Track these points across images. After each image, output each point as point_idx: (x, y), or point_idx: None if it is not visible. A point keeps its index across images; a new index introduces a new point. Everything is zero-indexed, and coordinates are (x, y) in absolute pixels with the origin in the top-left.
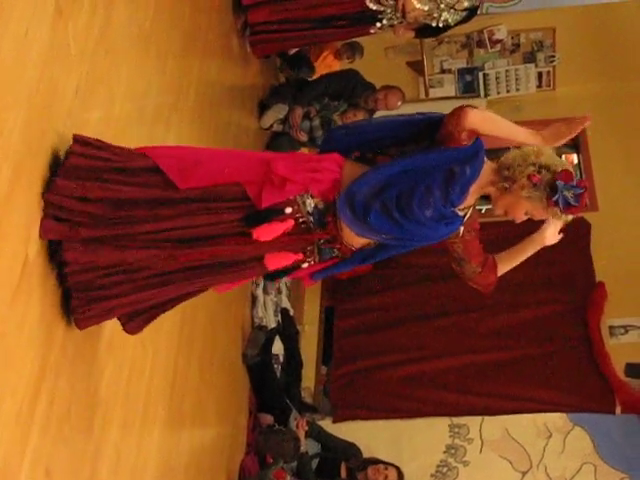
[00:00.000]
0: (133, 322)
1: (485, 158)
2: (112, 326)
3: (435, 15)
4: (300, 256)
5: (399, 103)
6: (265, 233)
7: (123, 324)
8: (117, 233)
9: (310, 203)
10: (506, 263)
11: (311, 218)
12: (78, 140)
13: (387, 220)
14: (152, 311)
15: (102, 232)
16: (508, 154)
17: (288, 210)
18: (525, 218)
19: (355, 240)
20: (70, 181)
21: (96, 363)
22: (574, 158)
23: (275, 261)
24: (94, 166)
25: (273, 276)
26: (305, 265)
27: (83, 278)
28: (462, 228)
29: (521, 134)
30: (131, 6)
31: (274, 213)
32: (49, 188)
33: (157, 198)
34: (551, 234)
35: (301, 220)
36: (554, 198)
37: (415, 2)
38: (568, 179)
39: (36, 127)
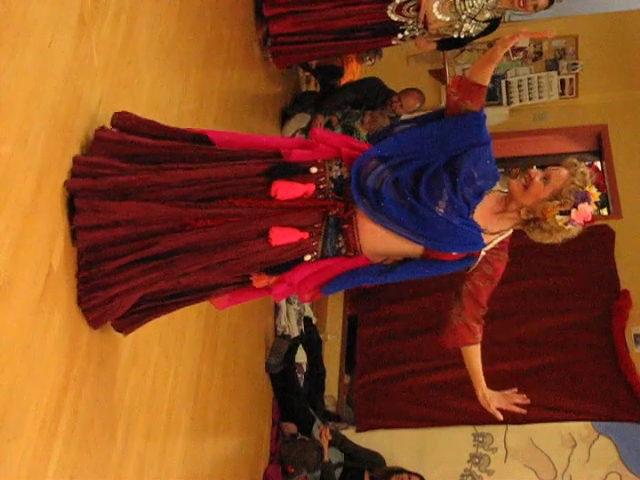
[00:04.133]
0: (126, 319)
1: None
2: (135, 336)
3: (456, 26)
4: (305, 235)
5: (417, 104)
6: (284, 190)
7: (114, 324)
8: (143, 184)
9: (337, 170)
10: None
11: (332, 185)
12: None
13: (401, 205)
14: (149, 311)
15: (129, 181)
16: None
17: (313, 170)
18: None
19: (368, 238)
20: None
21: (120, 372)
22: (597, 165)
23: (280, 235)
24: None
25: (274, 271)
26: (308, 257)
27: (91, 253)
28: (483, 255)
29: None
30: (154, 16)
31: (300, 169)
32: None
33: (191, 154)
34: None
35: (322, 187)
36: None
37: (436, 13)
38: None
39: (60, 137)
